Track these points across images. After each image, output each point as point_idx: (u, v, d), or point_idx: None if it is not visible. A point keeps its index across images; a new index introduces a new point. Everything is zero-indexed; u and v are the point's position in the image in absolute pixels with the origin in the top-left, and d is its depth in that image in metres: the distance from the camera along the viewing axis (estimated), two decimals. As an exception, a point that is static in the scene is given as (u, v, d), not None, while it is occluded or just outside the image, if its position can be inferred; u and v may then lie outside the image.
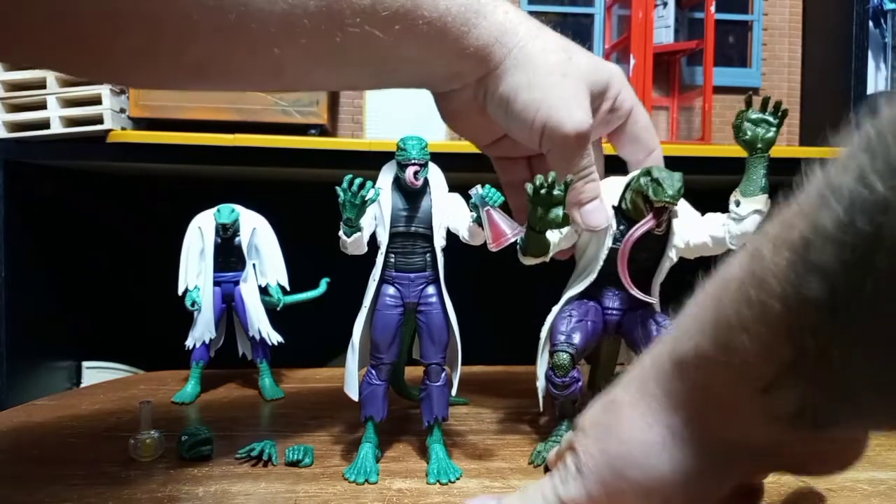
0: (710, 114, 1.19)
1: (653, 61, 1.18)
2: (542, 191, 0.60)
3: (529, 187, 0.60)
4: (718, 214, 0.69)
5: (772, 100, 0.66)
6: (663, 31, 1.27)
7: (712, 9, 1.19)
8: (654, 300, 0.71)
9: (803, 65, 1.35)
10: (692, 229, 0.69)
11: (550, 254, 0.68)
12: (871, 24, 1.43)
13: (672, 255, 0.70)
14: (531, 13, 1.28)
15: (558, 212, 0.61)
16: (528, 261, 0.68)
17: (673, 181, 0.63)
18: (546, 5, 1.30)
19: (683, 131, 1.34)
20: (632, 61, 1.18)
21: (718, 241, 0.68)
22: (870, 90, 1.33)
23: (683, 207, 0.71)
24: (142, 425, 0.67)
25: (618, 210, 0.69)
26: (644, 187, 0.65)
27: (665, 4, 1.27)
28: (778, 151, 0.96)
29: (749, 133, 0.66)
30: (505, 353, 1.04)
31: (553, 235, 0.67)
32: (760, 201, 0.66)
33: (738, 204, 0.66)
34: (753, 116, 0.66)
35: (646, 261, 0.71)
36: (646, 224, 0.65)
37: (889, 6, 1.45)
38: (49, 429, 0.76)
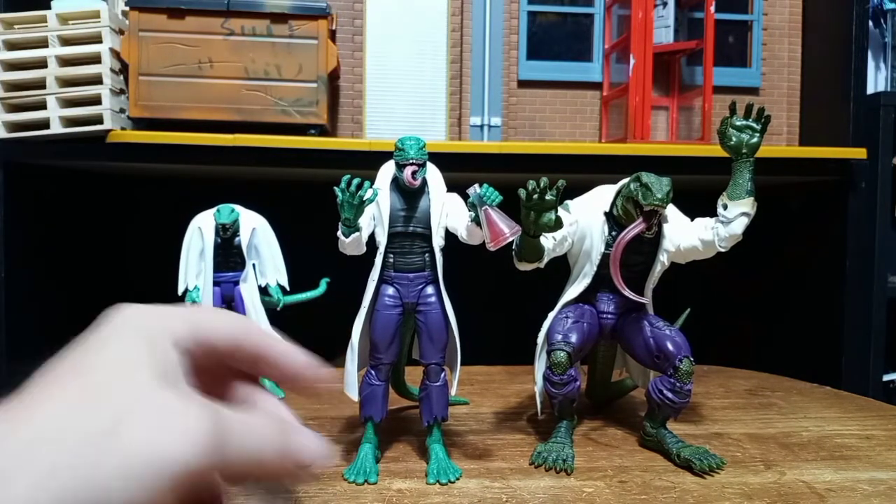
0: (710, 114, 1.19)
1: (653, 61, 1.17)
2: (535, 195, 0.61)
3: (522, 192, 0.61)
4: (707, 218, 0.70)
5: (755, 106, 0.67)
6: (663, 30, 1.27)
7: (712, 9, 1.19)
8: (646, 300, 0.72)
9: (803, 65, 1.35)
10: (682, 233, 0.70)
11: (545, 259, 0.69)
12: (871, 24, 1.43)
13: (664, 260, 0.71)
14: (531, 13, 1.29)
15: (550, 216, 0.62)
16: (524, 266, 0.69)
17: (661, 185, 0.65)
18: (546, 5, 1.30)
19: (683, 131, 1.34)
20: (632, 61, 1.18)
21: (707, 243, 0.69)
22: (870, 90, 1.33)
23: (672, 213, 0.72)
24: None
25: (609, 216, 0.71)
26: (634, 192, 0.66)
27: (665, 4, 1.27)
28: (777, 152, 0.96)
29: (734, 139, 0.68)
30: (505, 353, 1.04)
31: (547, 241, 0.68)
32: (747, 204, 0.67)
33: (725, 207, 0.67)
34: (738, 123, 0.68)
35: (638, 265, 0.72)
36: (636, 227, 0.66)
37: (889, 6, 1.45)
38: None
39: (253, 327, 0.37)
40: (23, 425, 0.28)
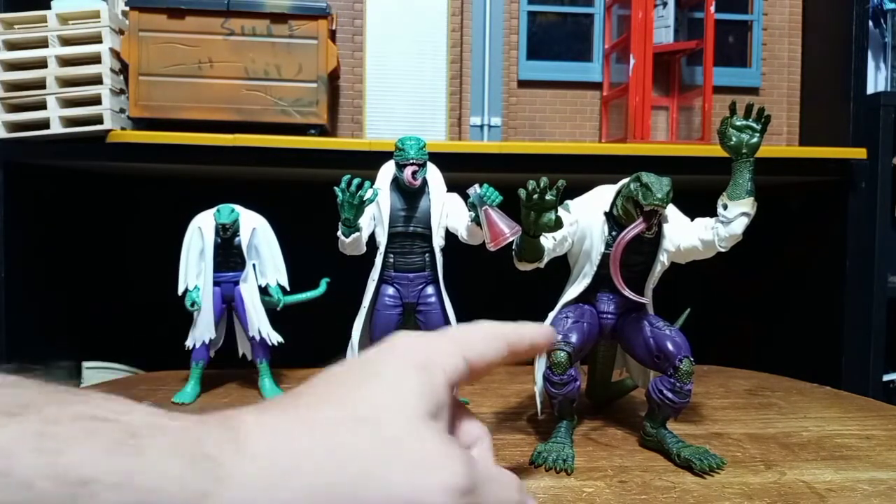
0: (710, 114, 1.19)
1: (653, 61, 1.17)
2: (535, 195, 0.61)
3: (522, 192, 0.61)
4: (707, 218, 0.70)
5: (755, 106, 0.67)
6: (663, 30, 1.27)
7: (712, 9, 1.19)
8: (646, 300, 0.72)
9: (803, 65, 1.34)
10: (682, 233, 0.70)
11: (545, 259, 0.69)
12: (871, 24, 1.43)
13: (663, 260, 0.71)
14: (531, 13, 1.29)
15: (550, 216, 0.62)
16: (524, 266, 0.69)
17: (661, 185, 0.64)
18: (546, 5, 1.30)
19: (683, 131, 1.34)
20: (632, 61, 1.18)
21: (707, 243, 0.69)
22: (870, 90, 1.33)
23: (672, 213, 0.72)
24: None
25: (609, 216, 0.70)
26: (634, 192, 0.66)
27: (665, 4, 1.27)
28: (777, 152, 0.96)
29: (734, 139, 0.67)
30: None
31: (547, 241, 0.68)
32: (747, 204, 0.67)
33: (725, 207, 0.67)
34: (738, 123, 0.67)
35: (638, 265, 0.72)
36: (636, 227, 0.66)
37: (889, 6, 1.45)
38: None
39: (500, 332, 0.38)
40: (297, 431, 0.29)
